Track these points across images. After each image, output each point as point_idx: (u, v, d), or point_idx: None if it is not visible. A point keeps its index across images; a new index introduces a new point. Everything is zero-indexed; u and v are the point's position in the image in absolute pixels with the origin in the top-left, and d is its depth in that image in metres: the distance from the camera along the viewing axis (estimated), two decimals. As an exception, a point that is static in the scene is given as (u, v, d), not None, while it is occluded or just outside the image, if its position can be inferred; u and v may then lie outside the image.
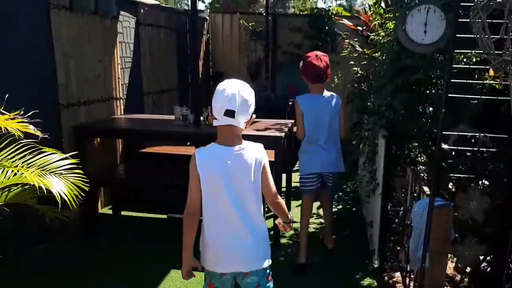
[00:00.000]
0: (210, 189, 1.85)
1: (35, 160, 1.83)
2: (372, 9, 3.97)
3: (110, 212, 4.28)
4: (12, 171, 1.72)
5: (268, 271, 1.96)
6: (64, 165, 1.85)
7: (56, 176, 1.78)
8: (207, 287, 1.96)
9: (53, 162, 1.84)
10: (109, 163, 4.41)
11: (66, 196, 1.70)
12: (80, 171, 1.87)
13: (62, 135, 3.73)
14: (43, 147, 1.91)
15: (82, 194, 1.77)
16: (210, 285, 1.95)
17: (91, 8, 4.07)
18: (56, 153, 1.91)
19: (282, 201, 2.00)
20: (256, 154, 1.88)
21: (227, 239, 1.88)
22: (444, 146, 2.16)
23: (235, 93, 1.77)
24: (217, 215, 1.88)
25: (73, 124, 3.81)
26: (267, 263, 1.95)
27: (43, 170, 1.79)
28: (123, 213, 4.23)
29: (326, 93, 3.28)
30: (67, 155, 1.92)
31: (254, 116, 1.89)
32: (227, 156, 1.84)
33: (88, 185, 1.89)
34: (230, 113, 1.76)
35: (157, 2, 5.92)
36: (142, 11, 5.11)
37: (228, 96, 1.77)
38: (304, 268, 3.29)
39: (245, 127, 1.88)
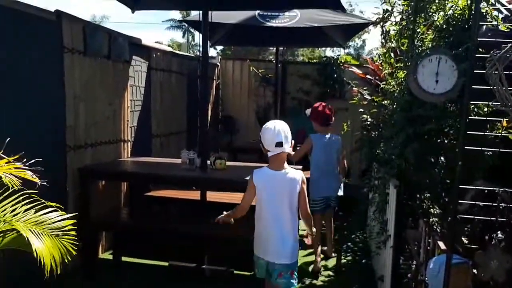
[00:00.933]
0: (259, 197, 2.61)
1: (35, 216, 1.76)
2: (381, 58, 3.99)
3: (111, 257, 4.13)
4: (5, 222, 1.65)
5: (292, 268, 2.59)
6: (62, 227, 1.79)
7: (52, 237, 1.71)
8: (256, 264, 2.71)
9: (54, 223, 1.77)
10: (113, 206, 4.32)
11: (53, 257, 1.62)
12: (74, 232, 1.80)
13: (66, 176, 3.69)
14: (46, 202, 1.84)
15: (69, 258, 1.72)
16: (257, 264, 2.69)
17: (105, 53, 4.15)
18: (57, 210, 1.83)
19: (311, 216, 2.72)
20: (296, 177, 2.60)
21: (265, 235, 2.61)
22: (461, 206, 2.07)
23: (279, 129, 2.55)
24: (261, 217, 2.63)
25: (78, 166, 3.78)
26: (290, 261, 2.58)
27: (40, 226, 1.72)
28: (124, 258, 4.09)
29: (331, 134, 4.16)
30: (67, 216, 1.84)
31: (293, 142, 2.63)
32: (274, 178, 2.59)
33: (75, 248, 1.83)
34: (279, 144, 2.53)
35: (170, 49, 6.06)
36: (154, 56, 5.21)
37: (274, 132, 2.54)
38: (319, 272, 4.01)
39: (291, 150, 2.63)
